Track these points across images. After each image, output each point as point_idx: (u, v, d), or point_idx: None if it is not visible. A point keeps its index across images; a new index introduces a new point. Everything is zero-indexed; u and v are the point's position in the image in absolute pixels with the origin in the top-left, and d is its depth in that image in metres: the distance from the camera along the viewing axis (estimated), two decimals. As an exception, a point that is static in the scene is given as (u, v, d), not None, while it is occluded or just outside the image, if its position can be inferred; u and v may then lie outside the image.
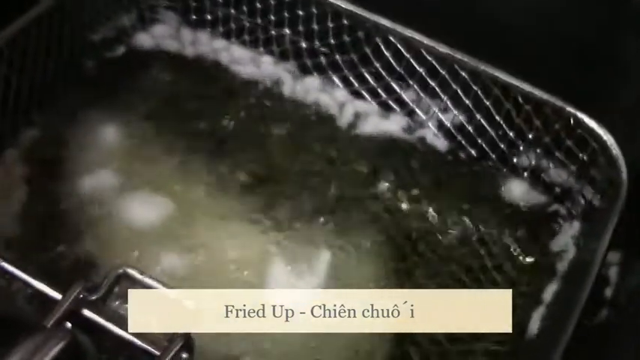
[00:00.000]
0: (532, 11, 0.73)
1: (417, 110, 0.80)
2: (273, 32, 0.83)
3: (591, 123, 0.71)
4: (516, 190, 0.77)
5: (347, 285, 0.70)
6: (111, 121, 0.78)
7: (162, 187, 0.74)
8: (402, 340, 0.67)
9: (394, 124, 0.81)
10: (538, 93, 0.73)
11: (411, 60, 0.77)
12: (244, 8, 0.83)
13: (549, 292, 0.69)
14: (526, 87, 0.73)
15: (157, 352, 0.52)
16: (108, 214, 0.72)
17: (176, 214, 0.73)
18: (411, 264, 0.72)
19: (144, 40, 0.85)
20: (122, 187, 0.74)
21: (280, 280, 0.70)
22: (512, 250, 0.73)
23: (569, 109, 0.72)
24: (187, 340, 0.53)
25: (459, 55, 0.75)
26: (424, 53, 0.76)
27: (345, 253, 0.72)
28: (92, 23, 0.81)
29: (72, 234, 0.71)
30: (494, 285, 0.70)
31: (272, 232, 0.73)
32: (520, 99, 0.74)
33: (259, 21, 0.83)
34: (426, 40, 0.75)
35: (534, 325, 0.67)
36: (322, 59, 0.82)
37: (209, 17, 0.85)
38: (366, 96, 0.81)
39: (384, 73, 0.80)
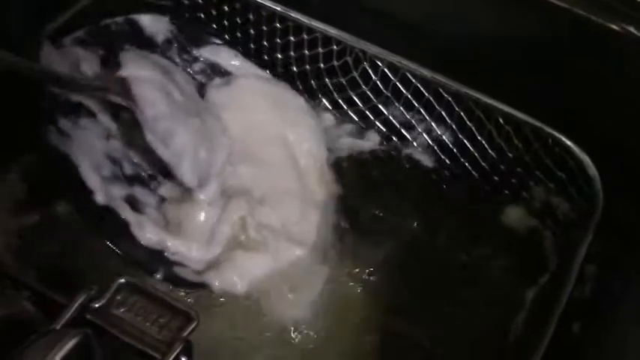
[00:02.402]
0: (511, 40, 0.77)
1: (403, 131, 0.84)
2: (265, 57, 0.86)
3: (568, 142, 0.75)
4: (498, 206, 0.80)
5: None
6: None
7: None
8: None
9: (381, 144, 0.85)
10: (518, 114, 0.77)
11: (397, 83, 0.81)
12: (238, 34, 0.86)
13: (529, 299, 0.73)
14: (506, 108, 0.77)
15: (159, 356, 0.55)
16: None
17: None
18: (396, 274, 0.76)
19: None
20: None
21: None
22: (494, 260, 0.77)
23: (548, 129, 0.76)
24: (186, 344, 0.56)
25: (442, 79, 0.79)
26: (409, 77, 0.80)
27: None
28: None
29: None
30: (477, 289, 0.75)
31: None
32: (501, 120, 0.78)
33: (252, 46, 0.86)
34: (411, 64, 0.79)
35: (517, 329, 0.71)
36: (312, 82, 0.85)
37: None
38: (354, 117, 0.85)
39: (371, 95, 0.83)
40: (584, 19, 0.71)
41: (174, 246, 0.74)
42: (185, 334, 0.57)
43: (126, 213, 0.74)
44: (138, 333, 0.57)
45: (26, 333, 0.45)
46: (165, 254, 0.74)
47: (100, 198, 0.74)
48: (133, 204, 0.75)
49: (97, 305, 0.57)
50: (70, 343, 0.42)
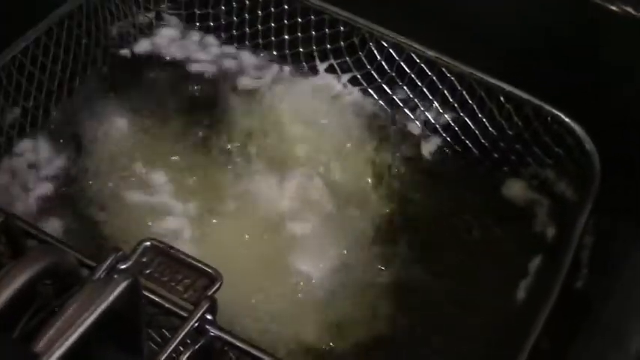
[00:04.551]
0: (511, 22, 0.80)
1: (406, 110, 0.87)
2: (272, 38, 0.89)
3: (567, 120, 0.78)
4: (498, 181, 0.83)
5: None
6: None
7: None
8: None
9: (385, 123, 0.87)
10: (518, 93, 0.80)
11: (402, 63, 0.84)
12: (246, 16, 0.89)
13: (531, 266, 0.76)
14: (507, 87, 0.80)
15: (185, 315, 0.58)
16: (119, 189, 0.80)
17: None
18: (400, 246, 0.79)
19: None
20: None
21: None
22: (496, 230, 0.79)
23: (547, 107, 0.79)
24: (212, 303, 0.58)
25: (446, 59, 0.82)
26: (414, 57, 0.83)
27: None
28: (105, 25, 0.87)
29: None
30: (482, 253, 0.78)
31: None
32: (502, 98, 0.81)
33: (259, 27, 0.89)
34: (416, 45, 0.82)
35: (521, 292, 0.74)
36: (318, 63, 0.88)
37: (212, 24, 0.91)
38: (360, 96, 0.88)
39: (376, 75, 0.86)
40: (582, 0, 0.74)
41: None
42: (210, 293, 0.59)
43: None
44: (164, 293, 0.59)
45: (72, 283, 0.48)
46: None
47: None
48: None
49: (123, 267, 0.60)
50: (122, 285, 0.44)
